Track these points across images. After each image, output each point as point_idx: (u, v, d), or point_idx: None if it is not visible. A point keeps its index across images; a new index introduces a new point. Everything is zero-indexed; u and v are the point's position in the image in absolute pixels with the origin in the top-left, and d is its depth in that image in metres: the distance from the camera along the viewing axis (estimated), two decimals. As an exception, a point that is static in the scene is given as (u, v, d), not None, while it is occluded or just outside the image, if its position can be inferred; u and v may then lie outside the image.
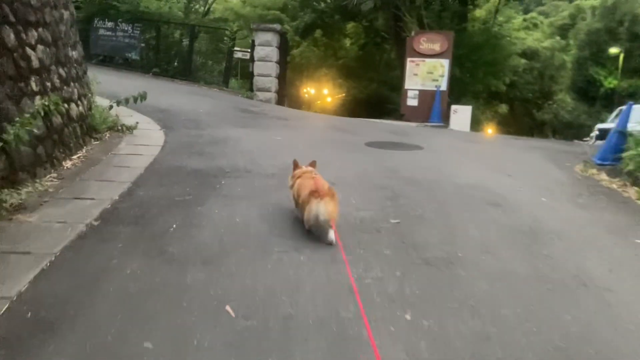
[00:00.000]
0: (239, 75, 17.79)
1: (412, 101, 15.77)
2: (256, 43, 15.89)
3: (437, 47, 15.53)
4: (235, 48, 16.41)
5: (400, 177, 6.40)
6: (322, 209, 3.97)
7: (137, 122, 8.62)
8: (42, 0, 6.18)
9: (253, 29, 15.99)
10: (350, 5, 18.32)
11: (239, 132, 8.96)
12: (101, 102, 10.61)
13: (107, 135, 7.93)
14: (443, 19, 18.24)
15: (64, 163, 6.08)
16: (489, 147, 10.26)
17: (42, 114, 5.48)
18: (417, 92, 15.69)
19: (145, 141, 7.77)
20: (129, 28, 17.65)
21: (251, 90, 16.05)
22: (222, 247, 3.93)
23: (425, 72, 15.63)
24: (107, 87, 13.11)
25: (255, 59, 15.94)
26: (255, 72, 15.96)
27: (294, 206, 4.61)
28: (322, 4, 20.55)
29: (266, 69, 15.88)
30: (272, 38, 15.83)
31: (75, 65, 7.42)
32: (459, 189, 6.03)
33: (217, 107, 12.07)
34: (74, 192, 5.09)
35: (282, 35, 16.67)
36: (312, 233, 4.16)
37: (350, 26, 24.29)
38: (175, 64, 17.10)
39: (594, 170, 7.59)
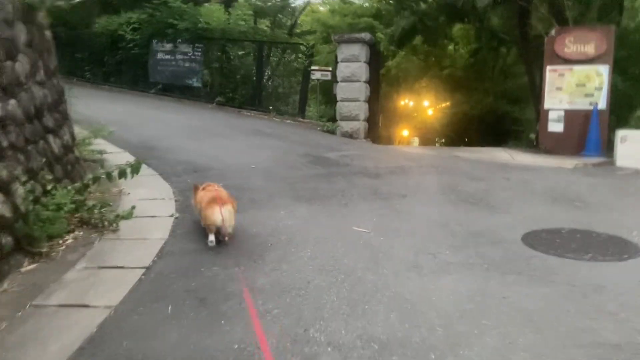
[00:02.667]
0: (318, 100, 14.31)
1: (555, 126, 11.32)
2: (339, 59, 12.33)
3: (590, 48, 10.99)
4: (313, 67, 12.95)
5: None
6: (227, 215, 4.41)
7: (134, 207, 5.26)
8: None
9: (335, 41, 12.45)
10: (460, 3, 14.17)
11: (296, 216, 5.36)
12: (115, 158, 7.61)
13: (70, 239, 4.65)
14: (589, 10, 13.53)
15: None
16: None
17: None
18: (562, 114, 11.22)
19: (124, 254, 4.39)
20: (189, 49, 14.88)
21: (333, 120, 12.49)
22: None
23: (574, 84, 11.14)
24: (143, 129, 10.20)
25: (338, 79, 12.37)
26: (339, 96, 12.39)
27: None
28: (423, 5, 16.53)
29: (352, 92, 12.25)
30: (359, 51, 12.18)
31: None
32: None
33: (281, 155, 8.58)
34: None
35: (373, 46, 12.97)
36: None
37: (457, 29, 19.97)
38: (243, 90, 13.96)
39: None
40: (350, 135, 12.16)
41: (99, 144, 8.08)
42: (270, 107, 13.51)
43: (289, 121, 12.86)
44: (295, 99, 13.63)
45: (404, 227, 5.06)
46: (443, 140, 23.04)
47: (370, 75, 12.65)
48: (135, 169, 4.97)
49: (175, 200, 6.05)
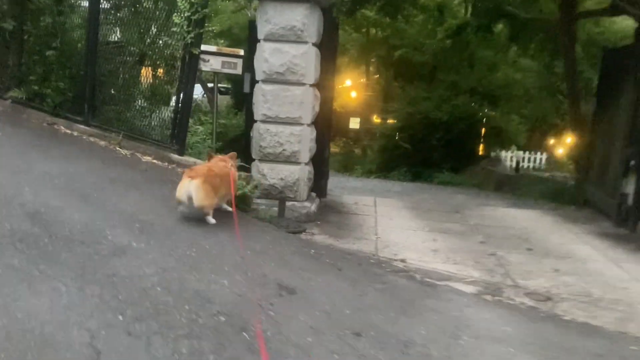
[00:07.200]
0: (215, 115, 7.53)
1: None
2: (262, 33, 5.78)
3: None
4: (204, 48, 6.25)
5: None
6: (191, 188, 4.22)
7: None
8: None
9: (254, -5, 5.80)
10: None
11: None
12: None
13: None
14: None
15: None
16: None
17: None
18: None
19: None
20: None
21: (247, 159, 5.96)
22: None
23: None
24: None
25: (259, 76, 5.84)
26: (258, 111, 5.88)
27: None
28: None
29: (287, 105, 5.80)
30: (304, 21, 5.72)
31: None
32: None
33: None
34: None
35: (328, 13, 6.46)
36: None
37: (426, -6, 13.81)
38: (63, 82, 6.86)
39: None
40: (280, 196, 5.77)
41: None
42: (114, 120, 6.55)
43: (148, 159, 6.04)
44: (168, 112, 6.46)
45: None
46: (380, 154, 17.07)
47: (321, 69, 6.25)
48: None
49: None
